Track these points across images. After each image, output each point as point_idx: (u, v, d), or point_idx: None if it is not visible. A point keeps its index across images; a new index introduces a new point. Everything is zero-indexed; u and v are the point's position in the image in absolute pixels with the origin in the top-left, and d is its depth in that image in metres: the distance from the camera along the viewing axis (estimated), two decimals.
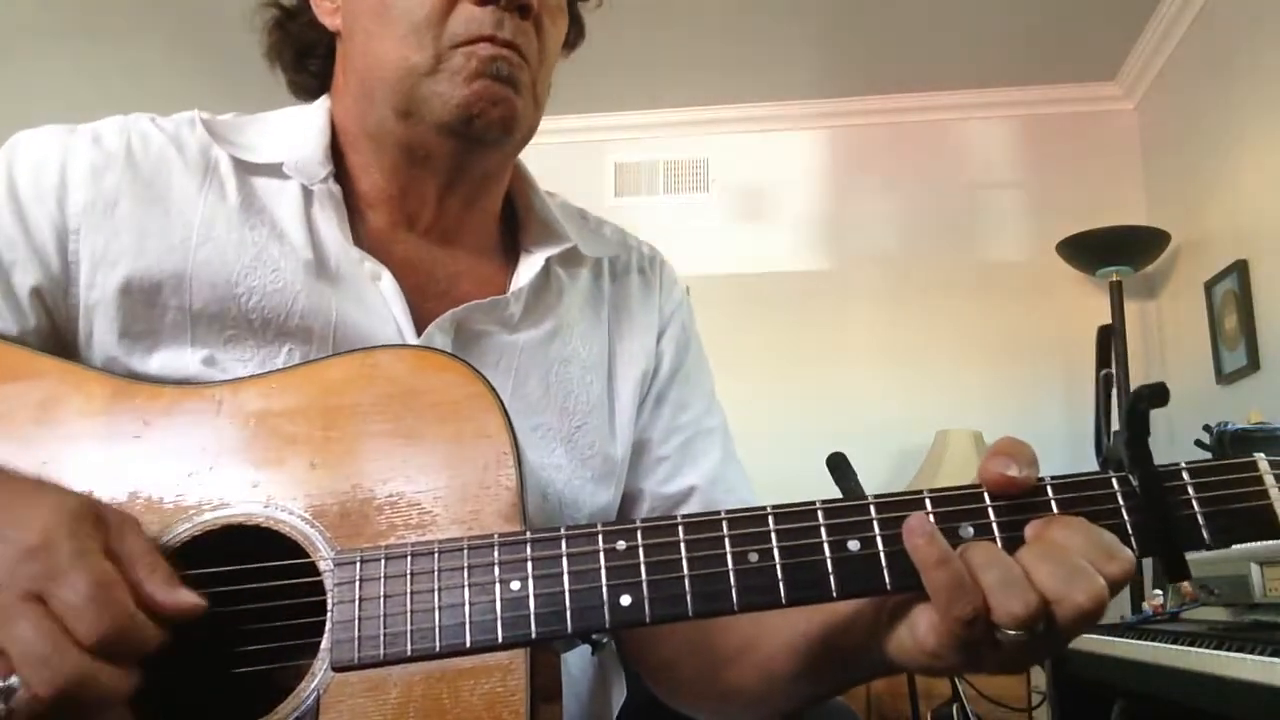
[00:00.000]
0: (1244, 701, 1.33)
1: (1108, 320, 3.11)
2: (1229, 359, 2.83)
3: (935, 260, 3.56)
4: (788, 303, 3.59)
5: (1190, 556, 0.58)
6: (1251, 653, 1.34)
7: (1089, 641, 1.94)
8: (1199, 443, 1.79)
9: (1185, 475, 0.59)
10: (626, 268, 0.93)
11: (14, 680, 0.50)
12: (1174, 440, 3.10)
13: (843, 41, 3.36)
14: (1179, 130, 3.23)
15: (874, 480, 2.76)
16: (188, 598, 0.56)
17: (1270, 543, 1.69)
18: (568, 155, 3.59)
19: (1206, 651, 1.45)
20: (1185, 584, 1.90)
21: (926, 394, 3.40)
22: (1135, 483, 0.58)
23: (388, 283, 0.76)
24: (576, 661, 0.80)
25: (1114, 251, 3.12)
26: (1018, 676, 2.73)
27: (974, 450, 3.12)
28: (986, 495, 0.58)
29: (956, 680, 2.42)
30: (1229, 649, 1.40)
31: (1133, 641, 1.75)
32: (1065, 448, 3.29)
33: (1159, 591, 2.25)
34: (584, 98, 3.48)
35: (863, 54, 3.44)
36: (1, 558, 0.53)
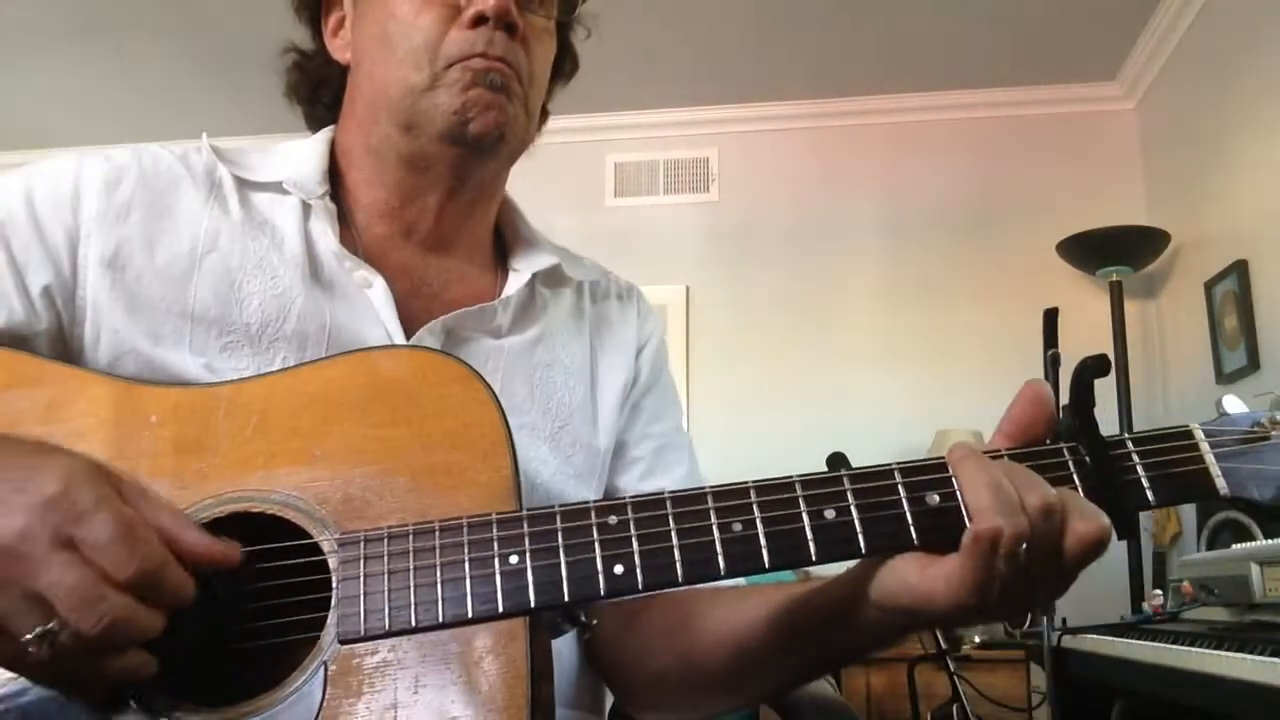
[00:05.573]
0: (1244, 701, 1.33)
1: (1108, 320, 3.12)
2: (1229, 359, 2.83)
3: (935, 260, 3.56)
4: (788, 302, 3.59)
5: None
6: (1251, 653, 1.34)
7: (1089, 641, 1.94)
8: None
9: (1130, 444, 0.64)
10: (606, 294, 1.01)
11: (53, 624, 0.53)
12: None
13: (842, 41, 3.37)
14: (1179, 130, 3.23)
15: None
16: (225, 545, 0.60)
17: (1271, 542, 1.69)
18: (567, 155, 3.59)
19: (1206, 651, 1.45)
20: (1185, 583, 1.90)
21: (926, 394, 3.40)
22: (1084, 452, 0.63)
23: (378, 289, 0.82)
24: (565, 642, 0.84)
25: (1114, 251, 3.12)
26: (1017, 676, 2.73)
27: None
28: (950, 468, 0.62)
29: (956, 680, 2.42)
30: (1229, 649, 1.40)
31: (1133, 641, 1.75)
32: None
33: (1159, 591, 2.25)
34: (584, 98, 3.46)
35: (862, 54, 3.44)
36: (24, 508, 0.55)
